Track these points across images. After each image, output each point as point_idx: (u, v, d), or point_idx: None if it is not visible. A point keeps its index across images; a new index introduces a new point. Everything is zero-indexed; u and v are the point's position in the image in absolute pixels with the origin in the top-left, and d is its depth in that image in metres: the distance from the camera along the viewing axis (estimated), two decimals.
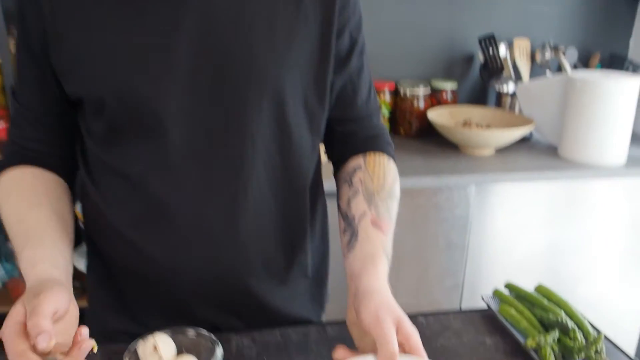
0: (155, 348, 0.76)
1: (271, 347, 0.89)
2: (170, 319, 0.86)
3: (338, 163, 0.99)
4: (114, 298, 0.96)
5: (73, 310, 0.74)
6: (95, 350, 0.72)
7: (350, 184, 0.92)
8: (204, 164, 0.84)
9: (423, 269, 1.82)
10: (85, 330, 0.70)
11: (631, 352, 0.84)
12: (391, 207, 0.90)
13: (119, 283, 0.95)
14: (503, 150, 1.94)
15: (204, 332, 0.81)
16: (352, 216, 0.88)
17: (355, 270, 0.81)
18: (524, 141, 2.04)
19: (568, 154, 1.88)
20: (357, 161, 0.94)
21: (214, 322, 0.95)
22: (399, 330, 0.72)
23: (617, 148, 1.81)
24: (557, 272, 1.91)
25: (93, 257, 0.99)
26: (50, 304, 0.68)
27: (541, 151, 1.98)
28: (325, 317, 1.11)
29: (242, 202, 0.87)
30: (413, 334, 0.72)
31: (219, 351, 0.77)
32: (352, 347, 0.77)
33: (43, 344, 0.64)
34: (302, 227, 0.97)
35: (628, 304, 1.99)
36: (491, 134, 1.86)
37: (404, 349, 0.72)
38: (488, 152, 1.90)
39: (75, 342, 0.69)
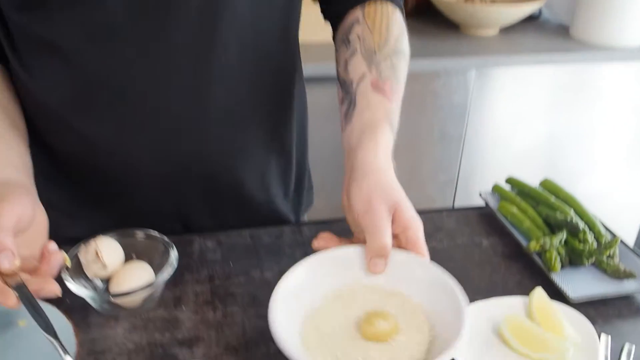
0: (97, 254, 0.65)
1: (239, 249, 0.78)
2: (132, 221, 0.74)
3: (336, 22, 0.83)
4: (64, 199, 0.84)
5: (40, 217, 0.64)
6: (69, 264, 0.63)
7: (347, 43, 0.77)
8: (153, 31, 0.68)
9: (415, 162, 1.72)
10: (53, 244, 0.61)
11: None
12: (397, 67, 0.75)
13: (69, 181, 0.83)
14: (508, 30, 1.76)
15: (155, 233, 0.70)
16: (350, 81, 0.74)
17: (352, 144, 0.68)
18: (532, 20, 1.86)
19: (580, 34, 1.70)
20: (354, 15, 0.78)
21: (184, 221, 0.85)
22: (395, 219, 0.60)
23: (637, 26, 1.62)
24: (558, 166, 1.81)
25: (36, 152, 0.85)
26: (11, 214, 0.57)
27: (551, 31, 1.80)
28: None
29: (206, 75, 0.72)
30: (412, 224, 0.61)
31: (173, 254, 0.67)
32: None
33: (5, 264, 0.55)
34: (283, 103, 0.84)
35: (630, 197, 1.91)
36: (496, 10, 1.68)
37: (400, 242, 0.61)
38: (492, 32, 1.74)
39: (42, 257, 0.60)
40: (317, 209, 1.05)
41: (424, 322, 0.57)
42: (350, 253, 0.62)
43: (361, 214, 0.61)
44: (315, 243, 0.65)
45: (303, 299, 0.59)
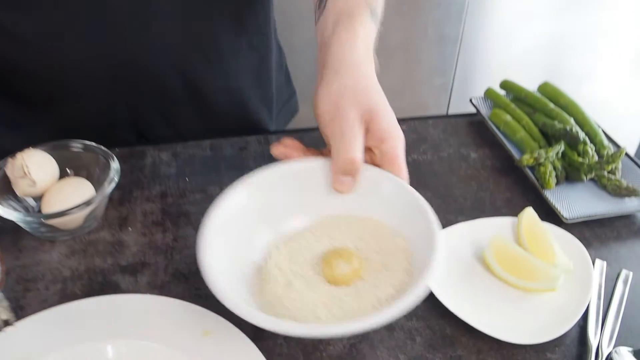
0: (24, 169, 0.57)
1: (197, 163, 0.70)
2: (81, 131, 0.65)
3: None
4: (2, 109, 0.74)
5: None
6: None
7: None
8: None
9: (407, 65, 1.61)
10: None
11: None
12: None
13: (3, 88, 0.72)
14: None
15: (93, 144, 0.61)
16: None
17: (326, 36, 0.56)
18: None
19: None
20: None
21: (139, 132, 0.76)
22: (369, 129, 0.50)
23: None
24: (560, 70, 1.70)
25: None
26: None
27: None
28: None
29: None
30: (389, 135, 0.50)
31: (114, 166, 0.59)
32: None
33: None
34: None
35: (634, 105, 1.80)
36: None
37: (374, 157, 0.52)
38: None
39: None
40: (302, 118, 0.96)
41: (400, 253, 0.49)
42: (312, 166, 0.52)
43: (327, 120, 0.50)
44: (274, 149, 0.55)
45: (247, 222, 0.50)
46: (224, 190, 0.65)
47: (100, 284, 0.54)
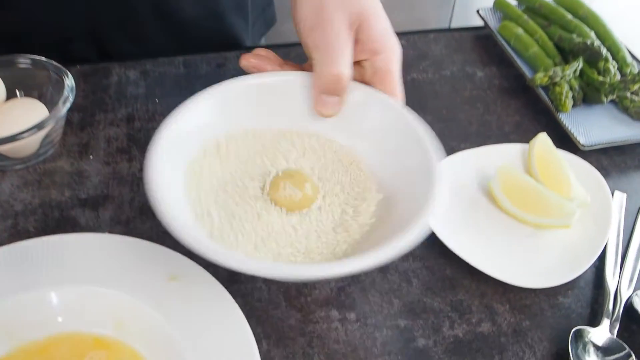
0: None
1: (168, 82, 0.63)
2: (28, 47, 0.57)
3: None
4: None
5: None
6: None
7: None
8: None
9: None
10: None
11: None
12: None
13: None
14: None
15: (43, 59, 0.53)
16: None
17: None
18: None
19: None
20: None
21: (100, 47, 0.68)
22: (359, 39, 0.43)
23: None
24: None
25: None
26: None
27: None
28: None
29: None
30: (384, 46, 0.43)
31: (69, 82, 0.52)
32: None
33: None
34: None
35: None
36: None
37: (364, 73, 0.44)
38: None
39: None
40: (282, 32, 0.87)
41: (373, 191, 0.42)
42: (290, 81, 0.44)
43: (307, 28, 0.43)
44: (243, 60, 0.46)
45: (208, 144, 0.43)
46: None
47: (56, 220, 0.48)
